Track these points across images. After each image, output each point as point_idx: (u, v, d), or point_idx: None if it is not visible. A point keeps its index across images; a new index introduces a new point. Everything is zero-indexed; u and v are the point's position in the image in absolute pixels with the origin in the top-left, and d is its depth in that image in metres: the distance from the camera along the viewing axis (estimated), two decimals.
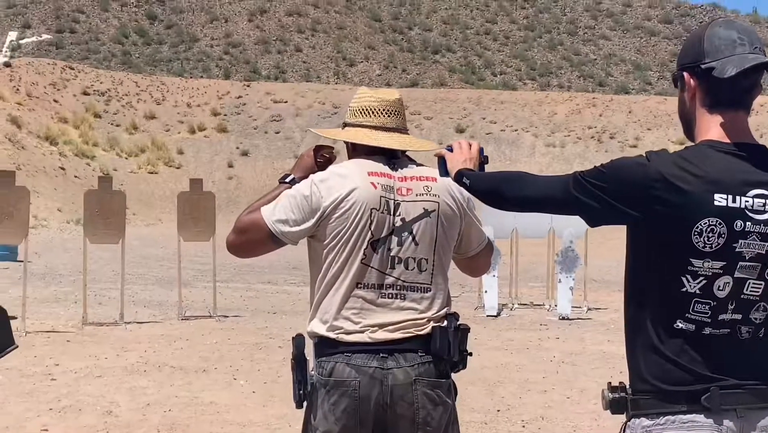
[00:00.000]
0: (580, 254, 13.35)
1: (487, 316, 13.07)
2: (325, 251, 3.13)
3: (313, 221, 3.11)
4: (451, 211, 3.17)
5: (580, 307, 13.60)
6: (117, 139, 36.31)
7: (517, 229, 14.07)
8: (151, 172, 34.98)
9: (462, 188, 2.98)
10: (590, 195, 2.42)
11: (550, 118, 41.02)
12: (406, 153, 3.35)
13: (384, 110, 3.25)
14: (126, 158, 35.59)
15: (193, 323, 11.78)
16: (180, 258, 12.95)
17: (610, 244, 20.85)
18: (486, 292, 13.44)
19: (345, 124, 3.31)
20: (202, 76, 51.39)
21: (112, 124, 37.81)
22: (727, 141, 2.38)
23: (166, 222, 27.56)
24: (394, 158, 3.22)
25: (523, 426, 7.15)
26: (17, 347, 2.93)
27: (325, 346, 3.12)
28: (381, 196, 3.09)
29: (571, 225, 13.71)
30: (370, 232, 3.09)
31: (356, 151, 3.27)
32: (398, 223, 3.11)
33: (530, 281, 16.88)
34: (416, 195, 3.12)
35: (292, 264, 19.34)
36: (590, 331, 11.98)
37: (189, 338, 10.64)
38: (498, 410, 7.61)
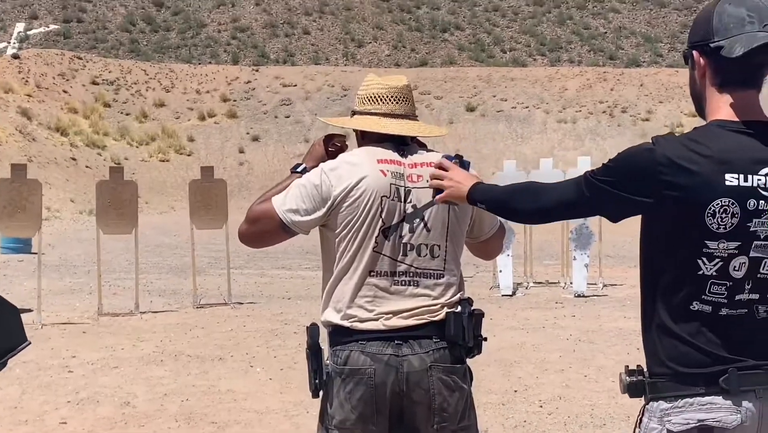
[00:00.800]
0: (594, 231, 13.30)
1: (503, 295, 13.04)
2: (336, 240, 3.13)
3: (323, 210, 3.11)
4: None
5: (595, 284, 13.56)
6: (127, 128, 36.31)
7: None
8: (163, 160, 34.97)
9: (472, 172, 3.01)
10: (603, 192, 2.40)
11: (561, 94, 40.81)
12: (417, 138, 3.34)
13: (392, 97, 3.24)
14: (137, 147, 35.60)
15: (208, 310, 11.79)
16: (193, 246, 12.95)
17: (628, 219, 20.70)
18: (500, 271, 13.41)
19: (354, 112, 3.31)
20: (210, 62, 51.30)
21: (121, 113, 37.80)
22: (738, 120, 2.35)
23: (178, 210, 27.62)
24: (403, 145, 3.21)
25: (541, 406, 7.14)
26: (30, 343, 2.94)
27: (340, 334, 3.13)
28: (391, 184, 3.09)
29: None
30: (381, 220, 3.09)
31: (366, 139, 3.28)
32: (409, 210, 3.11)
33: (545, 259, 16.83)
34: (426, 181, 3.10)
35: (305, 249, 19.32)
36: (606, 308, 11.93)
37: (204, 326, 10.65)
38: (515, 391, 7.59)
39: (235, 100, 39.82)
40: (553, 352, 9.14)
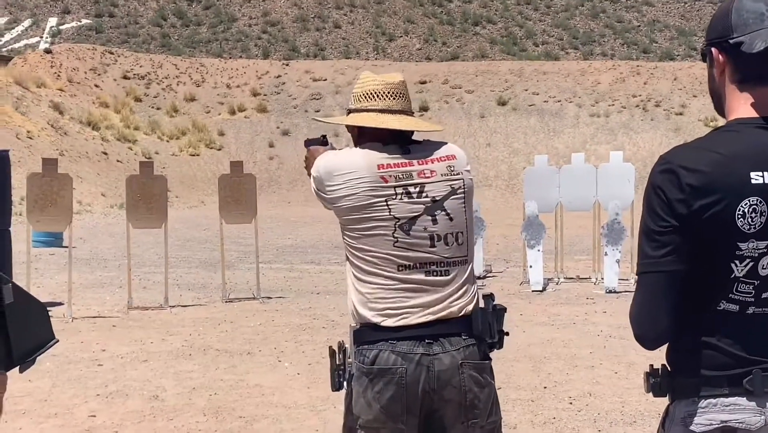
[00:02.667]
0: (626, 226, 13.16)
1: (533, 291, 12.95)
2: (356, 243, 3.16)
3: (330, 207, 3.21)
4: (471, 184, 3.27)
5: (627, 279, 13.42)
6: (158, 122, 36.47)
7: (562, 202, 13.91)
8: (193, 155, 35.10)
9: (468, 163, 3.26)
10: (665, 243, 2.29)
11: (594, 88, 40.54)
12: (428, 133, 3.41)
13: (389, 93, 3.25)
14: (167, 141, 35.75)
15: (237, 305, 11.80)
16: (222, 240, 12.97)
17: None
18: (531, 267, 13.32)
19: (349, 111, 3.32)
20: (241, 56, 51.47)
21: (152, 107, 37.98)
22: (759, 116, 2.30)
23: (208, 204, 27.73)
24: (409, 143, 3.22)
25: (571, 403, 7.07)
26: (57, 341, 2.94)
27: (367, 333, 3.12)
28: (395, 186, 3.11)
29: (617, 197, 13.54)
30: (393, 217, 3.10)
31: (363, 136, 3.27)
32: (429, 203, 3.13)
33: (576, 254, 16.72)
34: (441, 175, 3.16)
35: (334, 244, 19.34)
36: None
37: (233, 320, 10.66)
38: (545, 387, 7.52)
39: (265, 95, 39.90)
40: (584, 348, 9.06)
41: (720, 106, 2.41)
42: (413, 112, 3.34)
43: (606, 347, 9.12)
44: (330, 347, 3.32)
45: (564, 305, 11.81)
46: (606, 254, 13.12)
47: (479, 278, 13.13)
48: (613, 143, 35.54)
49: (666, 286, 2.35)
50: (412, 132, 3.28)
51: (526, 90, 40.62)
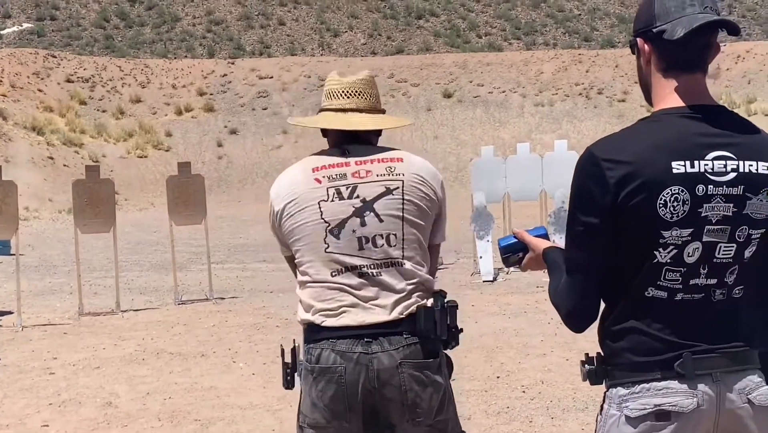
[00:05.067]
0: None
1: (484, 281, 13.06)
2: (294, 252, 3.21)
3: (279, 233, 3.24)
4: (420, 191, 3.17)
5: None
6: (104, 125, 36.05)
7: (509, 192, 14.03)
8: (141, 157, 34.76)
9: (435, 175, 3.19)
10: (588, 242, 2.39)
11: (537, 78, 40.84)
12: (377, 136, 3.35)
13: (343, 92, 3.27)
14: (114, 144, 35.36)
15: (189, 307, 11.76)
16: (173, 242, 12.91)
17: None
18: (481, 257, 13.43)
19: (319, 110, 3.35)
20: (186, 56, 51.08)
21: (98, 110, 37.54)
22: (683, 105, 2.36)
23: (158, 206, 27.44)
24: (352, 143, 3.21)
25: (524, 391, 7.16)
26: (0, 360, 2.93)
27: (312, 332, 3.16)
28: (328, 188, 3.13)
29: (563, 185, 13.69)
30: (323, 221, 3.12)
31: (327, 136, 3.34)
32: (358, 204, 3.12)
33: None
34: (377, 175, 3.14)
35: None
36: None
37: (186, 322, 10.62)
38: (498, 377, 7.62)
39: (211, 94, 39.64)
40: (535, 336, 9.18)
41: (649, 97, 2.46)
42: (377, 109, 3.30)
43: (557, 334, 9.22)
44: (281, 346, 3.35)
45: (515, 294, 11.93)
46: (554, 243, 13.25)
47: None
48: (557, 132, 35.84)
49: (592, 282, 2.42)
50: (377, 131, 3.29)
51: (471, 82, 40.79)
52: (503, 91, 40.14)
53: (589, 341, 7.94)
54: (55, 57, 41.04)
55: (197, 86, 39.98)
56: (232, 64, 42.99)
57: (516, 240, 2.82)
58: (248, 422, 6.59)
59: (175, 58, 48.92)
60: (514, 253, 2.83)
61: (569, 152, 14.40)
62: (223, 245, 19.01)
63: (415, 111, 37.98)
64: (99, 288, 13.42)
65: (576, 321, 2.48)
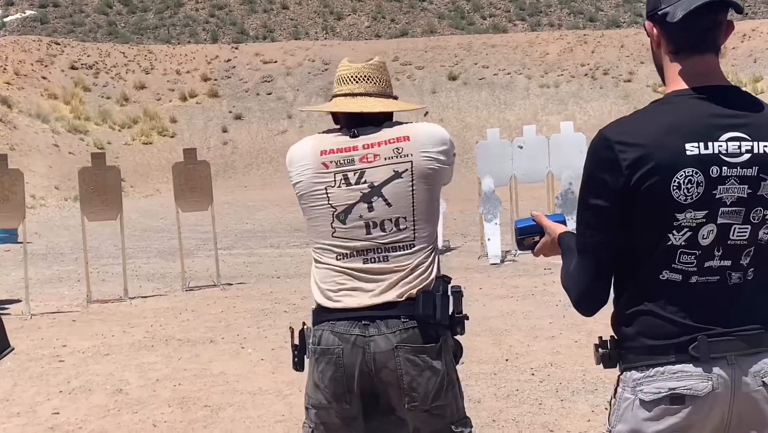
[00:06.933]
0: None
1: (491, 264, 13.05)
2: (308, 232, 3.27)
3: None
4: (430, 168, 3.13)
5: None
6: (109, 111, 36.05)
7: (516, 175, 14.01)
8: (146, 143, 34.77)
9: (443, 141, 3.14)
10: (600, 225, 2.38)
11: (542, 59, 40.73)
12: (390, 114, 3.30)
13: (353, 77, 3.26)
14: (119, 131, 35.37)
15: (197, 293, 11.77)
16: (180, 229, 12.91)
17: None
18: (489, 240, 13.42)
19: (332, 96, 3.37)
20: (189, 42, 51.03)
21: (102, 97, 37.53)
22: (695, 87, 2.34)
23: (164, 192, 27.48)
24: (360, 126, 3.19)
25: (533, 374, 7.16)
26: (13, 349, 2.93)
27: (318, 314, 3.21)
28: (336, 173, 3.13)
29: (569, 167, 13.66)
30: (330, 206, 3.13)
31: (338, 121, 3.33)
32: (366, 189, 3.12)
33: None
34: (384, 159, 3.12)
35: (294, 227, 19.32)
36: None
37: (195, 309, 10.63)
38: (506, 360, 7.62)
39: (216, 80, 39.60)
40: (543, 318, 9.17)
41: (663, 78, 2.45)
42: (387, 94, 3.27)
43: (565, 316, 9.21)
44: (290, 328, 3.36)
45: (522, 277, 11.92)
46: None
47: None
48: (563, 113, 35.76)
49: (605, 264, 2.42)
50: (388, 114, 3.25)
51: (476, 64, 40.70)
52: (508, 73, 40.05)
53: (599, 324, 7.92)
54: (58, 44, 41.01)
55: (201, 72, 39.94)
56: (236, 49, 42.93)
57: (534, 223, 2.80)
58: (258, 407, 6.60)
59: (178, 43, 48.86)
60: (529, 235, 2.81)
61: (576, 134, 14.37)
62: (229, 230, 19.02)
63: (420, 94, 37.92)
64: (107, 275, 13.44)
65: (586, 304, 2.48)
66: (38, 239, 18.69)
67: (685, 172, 2.26)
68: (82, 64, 39.22)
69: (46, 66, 38.17)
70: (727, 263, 2.32)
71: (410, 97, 35.99)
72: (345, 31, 57.27)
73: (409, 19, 59.45)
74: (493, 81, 39.58)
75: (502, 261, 13.26)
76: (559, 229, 2.72)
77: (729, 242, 2.31)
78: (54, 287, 12.70)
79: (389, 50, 41.10)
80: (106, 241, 16.82)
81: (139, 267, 14.22)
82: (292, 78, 39.39)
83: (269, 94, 38.70)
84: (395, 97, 3.33)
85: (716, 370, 2.28)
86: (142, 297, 11.62)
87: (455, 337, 3.21)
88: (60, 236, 19.51)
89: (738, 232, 2.31)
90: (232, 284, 12.28)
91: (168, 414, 6.55)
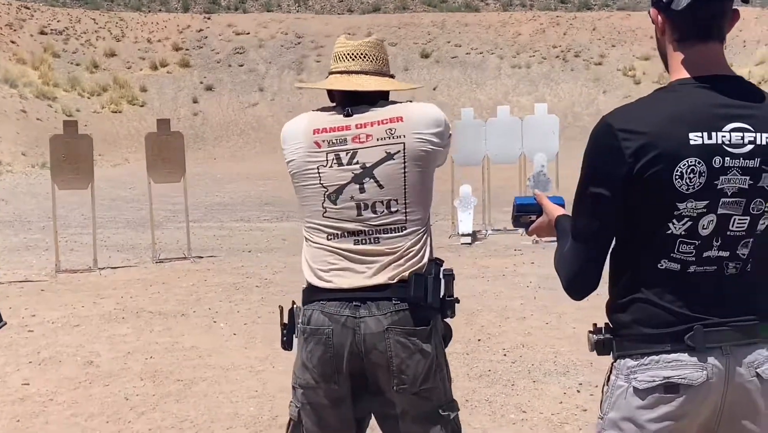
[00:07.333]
0: (551, 177, 13.37)
1: (462, 244, 13.09)
2: (301, 209, 3.22)
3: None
4: (422, 150, 3.08)
5: None
6: (78, 78, 35.66)
7: (488, 155, 14.03)
8: (115, 111, 34.45)
9: (437, 122, 3.09)
10: (598, 212, 2.40)
11: (515, 39, 40.75)
12: (386, 93, 3.26)
13: (349, 54, 3.23)
14: (88, 98, 35.01)
15: (168, 265, 11.71)
16: (151, 200, 12.82)
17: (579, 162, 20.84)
18: (461, 221, 13.44)
19: (328, 73, 3.33)
20: (161, 10, 50.47)
21: (71, 63, 37.11)
22: (700, 76, 2.33)
23: (133, 162, 27.31)
24: (356, 104, 3.15)
25: (505, 354, 7.20)
26: (5, 324, 2.88)
27: (308, 294, 3.18)
28: (327, 153, 3.09)
29: (542, 149, 13.72)
30: (322, 186, 3.10)
31: (333, 98, 3.29)
32: (358, 170, 3.08)
33: (502, 205, 16.87)
34: (377, 140, 3.08)
35: (264, 200, 19.31)
36: None
37: (165, 281, 10.58)
38: (479, 340, 7.65)
39: (187, 49, 39.27)
40: (515, 299, 9.22)
41: (667, 66, 2.44)
42: (384, 73, 3.24)
43: (536, 297, 9.28)
44: (280, 306, 3.34)
45: (493, 257, 11.96)
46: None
47: None
48: (534, 94, 35.86)
49: (599, 251, 2.42)
50: (385, 92, 3.21)
51: (449, 42, 40.66)
52: (481, 53, 40.05)
53: (569, 306, 7.99)
54: (28, 8, 40.47)
55: (173, 41, 39.59)
56: (209, 19, 42.56)
57: (534, 202, 2.81)
58: (231, 382, 6.59)
59: (149, 11, 48.31)
60: (527, 213, 2.82)
61: (549, 116, 14.43)
62: (199, 203, 18.91)
63: (392, 71, 37.77)
64: (75, 245, 13.34)
65: (577, 288, 2.48)
66: (5, 205, 18.51)
67: (688, 161, 2.26)
68: (51, 30, 38.75)
69: (15, 30, 37.67)
70: (725, 253, 2.33)
71: None
72: (317, 4, 56.85)
73: None
74: (465, 60, 39.57)
75: (473, 241, 13.29)
76: (558, 211, 2.73)
77: (728, 233, 2.32)
78: (21, 256, 12.59)
79: (363, 25, 40.95)
80: (73, 210, 16.68)
81: (108, 237, 14.12)
82: (264, 50, 39.14)
83: (241, 65, 38.44)
84: (392, 76, 3.29)
85: (711, 360, 2.29)
86: (112, 268, 11.54)
87: (445, 320, 3.19)
88: (27, 203, 19.31)
89: (737, 223, 2.32)
90: (202, 257, 12.23)
91: (140, 387, 6.52)
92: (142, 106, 35.30)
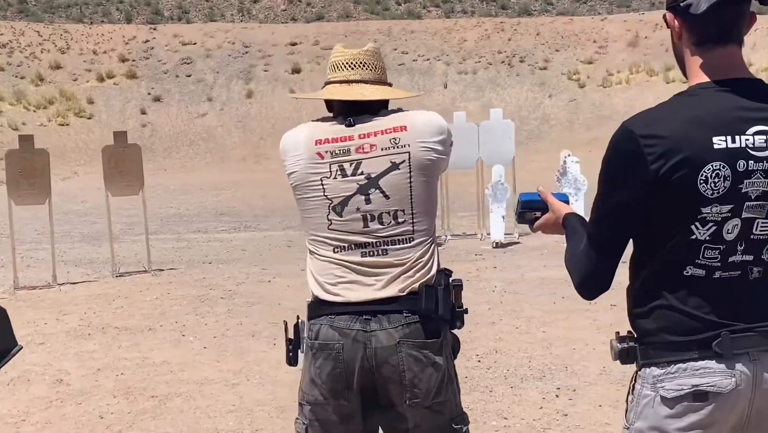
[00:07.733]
0: (508, 184, 13.55)
1: None
2: (303, 223, 3.17)
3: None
4: (428, 159, 3.05)
5: (511, 234, 13.72)
6: (23, 91, 35.08)
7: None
8: (62, 124, 33.92)
9: (441, 131, 3.06)
10: (617, 218, 2.39)
11: (461, 46, 40.94)
12: (386, 102, 3.21)
13: (347, 63, 3.18)
14: (34, 111, 34.45)
15: (128, 279, 11.56)
16: (110, 214, 12.66)
17: (533, 165, 21.07)
18: None
19: (325, 83, 3.28)
20: (103, 21, 49.95)
21: (16, 76, 36.51)
22: (719, 79, 2.32)
23: (83, 175, 26.88)
24: (356, 114, 3.10)
25: (479, 361, 7.22)
26: (21, 348, 2.76)
27: (315, 308, 3.12)
28: (331, 164, 3.04)
29: (499, 154, 13.87)
30: (326, 198, 3.05)
31: (332, 108, 3.25)
32: (363, 181, 3.03)
33: (459, 211, 16.95)
34: (381, 150, 3.03)
35: (219, 211, 19.18)
36: (525, 258, 12.09)
37: (127, 295, 10.44)
38: None
39: (134, 60, 38.84)
40: (481, 304, 9.23)
41: (684, 71, 2.43)
42: (383, 81, 3.20)
43: (503, 302, 9.32)
44: (284, 322, 3.28)
45: (455, 262, 11.96)
46: (492, 211, 13.44)
47: None
48: (481, 100, 36.06)
49: (615, 255, 2.41)
50: (384, 101, 3.17)
51: (396, 50, 40.70)
52: (427, 59, 40.17)
53: (536, 309, 8.06)
54: None
55: (119, 52, 39.13)
56: (154, 30, 42.16)
57: (539, 198, 2.79)
58: (207, 397, 6.52)
59: (92, 23, 47.78)
60: (531, 210, 2.80)
61: (505, 121, 14.59)
62: (154, 215, 18.65)
63: None
64: (31, 261, 13.13)
65: (590, 288, 2.47)
66: None
67: (712, 165, 2.24)
68: None
69: None
70: (749, 257, 2.32)
71: None
72: (261, 14, 56.65)
73: (325, 3, 59.11)
74: (412, 67, 39.65)
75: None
76: (565, 209, 2.71)
77: (752, 237, 2.31)
78: None
79: (309, 34, 40.89)
80: (26, 225, 16.40)
81: (65, 252, 13.91)
82: (212, 60, 38.85)
83: (189, 76, 38.11)
84: (389, 84, 3.25)
85: (739, 366, 2.28)
86: (72, 283, 11.37)
87: (452, 331, 3.17)
88: None
89: (761, 226, 2.31)
90: (163, 270, 12.08)
91: (114, 405, 6.43)
92: (89, 118, 34.83)
